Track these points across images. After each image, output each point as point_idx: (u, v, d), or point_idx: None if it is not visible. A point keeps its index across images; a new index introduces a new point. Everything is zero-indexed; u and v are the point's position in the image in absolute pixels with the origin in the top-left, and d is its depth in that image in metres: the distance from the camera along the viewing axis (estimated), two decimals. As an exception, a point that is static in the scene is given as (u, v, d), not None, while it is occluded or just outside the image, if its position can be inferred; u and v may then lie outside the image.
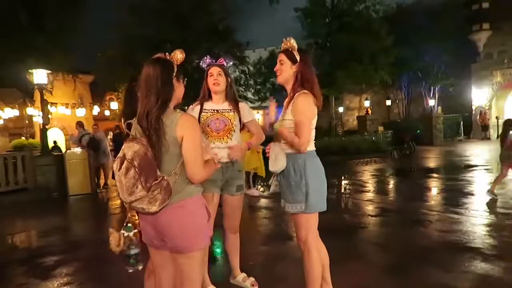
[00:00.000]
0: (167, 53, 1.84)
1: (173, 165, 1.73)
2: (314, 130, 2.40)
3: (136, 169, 1.60)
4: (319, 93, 2.38)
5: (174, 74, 1.79)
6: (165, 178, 1.67)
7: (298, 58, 2.34)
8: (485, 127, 19.83)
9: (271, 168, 2.40)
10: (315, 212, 2.37)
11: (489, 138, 19.39)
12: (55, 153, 9.76)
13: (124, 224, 1.80)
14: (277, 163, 2.34)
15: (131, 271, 1.80)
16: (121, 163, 1.64)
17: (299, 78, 2.34)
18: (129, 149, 1.65)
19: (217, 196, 2.78)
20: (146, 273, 2.37)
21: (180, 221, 1.73)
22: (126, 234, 1.71)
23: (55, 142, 15.26)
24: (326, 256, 2.50)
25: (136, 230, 1.76)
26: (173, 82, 1.79)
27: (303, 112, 2.26)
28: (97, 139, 9.55)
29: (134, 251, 1.73)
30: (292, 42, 2.36)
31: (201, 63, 2.81)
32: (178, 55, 1.84)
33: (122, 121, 1.81)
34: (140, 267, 1.80)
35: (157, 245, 1.82)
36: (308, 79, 2.35)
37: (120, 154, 1.68)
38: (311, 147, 2.38)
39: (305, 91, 2.30)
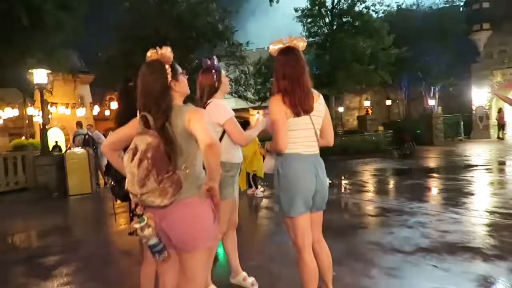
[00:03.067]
0: (158, 48, 1.80)
1: (183, 159, 1.73)
2: (300, 131, 2.28)
3: (150, 161, 1.60)
4: (288, 94, 2.21)
5: (170, 77, 1.78)
6: (176, 172, 1.67)
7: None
8: (502, 126, 19.16)
9: (264, 169, 2.58)
10: (286, 215, 2.32)
11: (502, 138, 18.76)
12: (55, 153, 9.78)
13: (138, 216, 1.79)
14: (265, 165, 2.52)
15: (157, 259, 1.78)
16: (134, 155, 1.63)
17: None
18: (141, 141, 1.64)
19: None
20: (142, 269, 2.37)
21: (187, 218, 1.72)
22: (139, 226, 1.70)
23: (56, 142, 15.33)
24: (327, 259, 2.46)
25: (146, 222, 1.74)
26: (171, 86, 1.78)
27: (271, 115, 2.27)
28: (94, 139, 9.58)
29: (152, 241, 1.73)
30: (270, 48, 2.33)
31: (209, 62, 2.79)
32: (166, 53, 1.79)
33: (142, 117, 1.81)
34: (164, 254, 1.78)
35: None
36: (277, 77, 2.28)
37: (131, 146, 1.67)
38: (292, 149, 2.28)
39: (277, 95, 2.27)
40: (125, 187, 1.70)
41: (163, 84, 1.76)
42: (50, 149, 10.47)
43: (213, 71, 2.73)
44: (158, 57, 1.80)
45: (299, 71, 2.25)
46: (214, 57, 2.85)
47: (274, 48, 2.32)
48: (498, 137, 19.11)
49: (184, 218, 1.72)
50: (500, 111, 19.48)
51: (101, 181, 9.98)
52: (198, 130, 1.69)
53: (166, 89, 1.76)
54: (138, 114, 1.79)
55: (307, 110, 2.25)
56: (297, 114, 2.23)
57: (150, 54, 1.81)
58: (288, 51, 2.29)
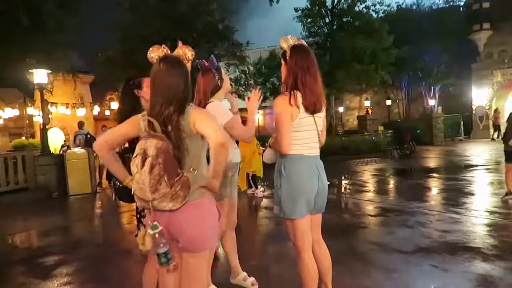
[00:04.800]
0: (165, 46, 1.79)
1: (190, 160, 1.72)
2: (304, 132, 2.26)
3: (161, 166, 1.57)
4: (308, 89, 2.20)
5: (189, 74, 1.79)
6: (185, 174, 1.66)
7: (288, 56, 2.29)
8: (497, 127, 18.83)
9: (263, 159, 2.60)
10: (287, 217, 2.29)
11: (494, 139, 18.62)
12: (60, 152, 9.79)
13: (150, 223, 1.77)
14: (265, 155, 2.51)
15: (168, 267, 1.76)
16: (143, 160, 1.60)
17: (284, 77, 2.31)
18: (149, 145, 1.61)
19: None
20: (145, 270, 2.37)
21: (196, 219, 1.72)
22: (152, 232, 1.68)
23: (64, 141, 15.45)
24: (327, 260, 2.46)
25: (161, 228, 1.72)
26: (190, 82, 1.78)
27: (276, 115, 2.24)
28: (94, 139, 9.60)
29: (163, 249, 1.71)
30: (281, 43, 2.31)
31: (207, 63, 2.76)
32: (188, 54, 1.81)
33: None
34: (172, 264, 1.76)
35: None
36: (295, 74, 2.23)
37: (139, 151, 1.63)
38: (296, 151, 2.25)
39: (286, 93, 2.23)
40: (132, 192, 1.67)
41: (186, 78, 1.75)
42: (59, 148, 10.50)
43: (214, 70, 2.71)
44: (166, 53, 1.78)
45: (316, 67, 2.27)
46: (212, 56, 2.84)
47: (286, 45, 2.30)
48: (492, 139, 18.91)
49: (193, 219, 1.71)
50: (495, 111, 19.37)
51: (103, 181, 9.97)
52: (208, 129, 1.70)
53: (187, 83, 1.75)
54: (141, 115, 1.74)
55: (317, 109, 2.26)
56: (312, 112, 2.23)
57: (153, 50, 1.78)
58: (304, 47, 2.29)
